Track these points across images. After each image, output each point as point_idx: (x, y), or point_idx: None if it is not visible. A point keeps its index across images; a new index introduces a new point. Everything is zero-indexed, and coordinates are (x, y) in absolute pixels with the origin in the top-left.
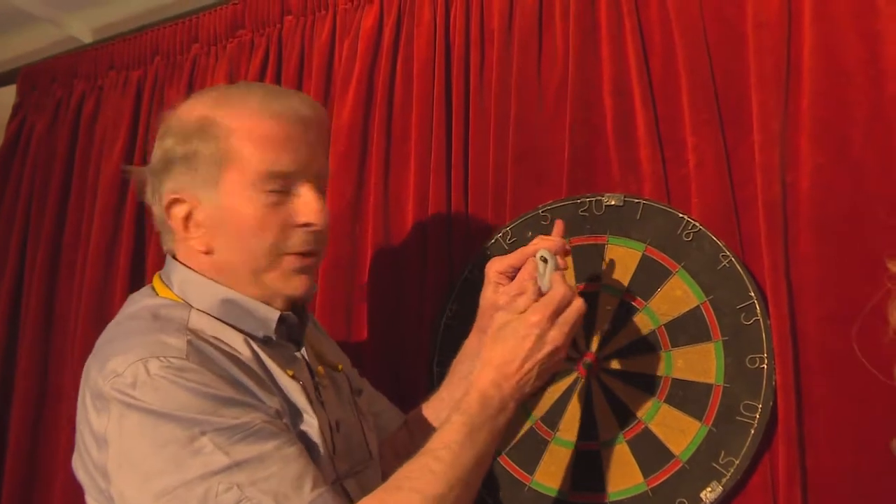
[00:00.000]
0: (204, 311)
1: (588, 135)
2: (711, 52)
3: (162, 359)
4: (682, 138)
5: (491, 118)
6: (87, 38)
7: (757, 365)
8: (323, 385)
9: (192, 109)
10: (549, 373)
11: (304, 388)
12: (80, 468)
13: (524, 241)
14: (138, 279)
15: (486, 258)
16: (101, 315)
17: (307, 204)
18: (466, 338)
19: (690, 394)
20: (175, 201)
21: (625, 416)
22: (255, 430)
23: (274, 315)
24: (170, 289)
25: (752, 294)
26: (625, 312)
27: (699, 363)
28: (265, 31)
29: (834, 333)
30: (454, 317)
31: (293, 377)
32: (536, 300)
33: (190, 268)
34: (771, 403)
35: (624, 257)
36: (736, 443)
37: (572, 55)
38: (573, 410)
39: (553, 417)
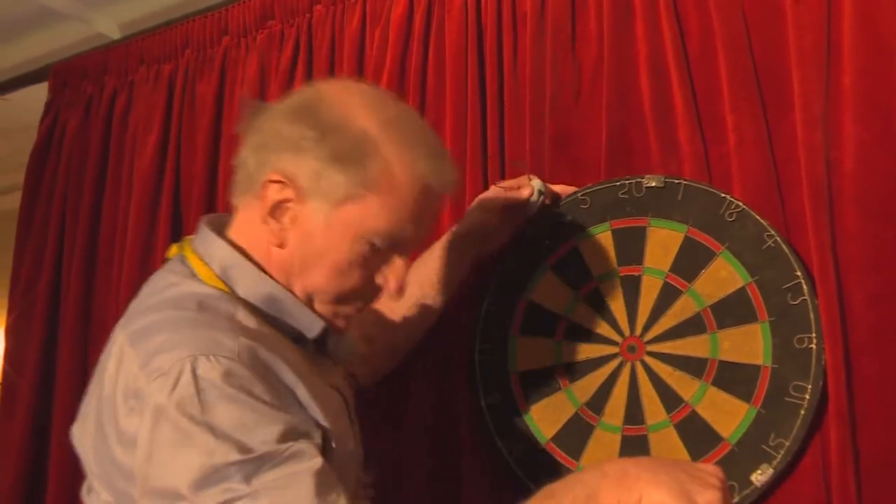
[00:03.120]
0: (248, 304)
1: (625, 117)
2: (750, 29)
3: (211, 358)
4: (722, 117)
5: (526, 103)
6: (115, 35)
7: (805, 345)
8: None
9: (357, 116)
10: None
11: (344, 399)
12: (91, 450)
13: (564, 226)
14: None
15: (526, 244)
16: None
17: (396, 274)
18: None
19: (738, 375)
20: (280, 183)
21: (671, 399)
22: (289, 455)
23: (318, 325)
24: (209, 267)
25: (799, 273)
26: (669, 295)
27: (746, 344)
28: (294, 21)
29: (883, 311)
30: (496, 302)
31: (335, 388)
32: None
33: (237, 246)
34: (821, 383)
35: (666, 239)
36: (786, 424)
37: (607, 36)
38: (618, 395)
39: (598, 402)
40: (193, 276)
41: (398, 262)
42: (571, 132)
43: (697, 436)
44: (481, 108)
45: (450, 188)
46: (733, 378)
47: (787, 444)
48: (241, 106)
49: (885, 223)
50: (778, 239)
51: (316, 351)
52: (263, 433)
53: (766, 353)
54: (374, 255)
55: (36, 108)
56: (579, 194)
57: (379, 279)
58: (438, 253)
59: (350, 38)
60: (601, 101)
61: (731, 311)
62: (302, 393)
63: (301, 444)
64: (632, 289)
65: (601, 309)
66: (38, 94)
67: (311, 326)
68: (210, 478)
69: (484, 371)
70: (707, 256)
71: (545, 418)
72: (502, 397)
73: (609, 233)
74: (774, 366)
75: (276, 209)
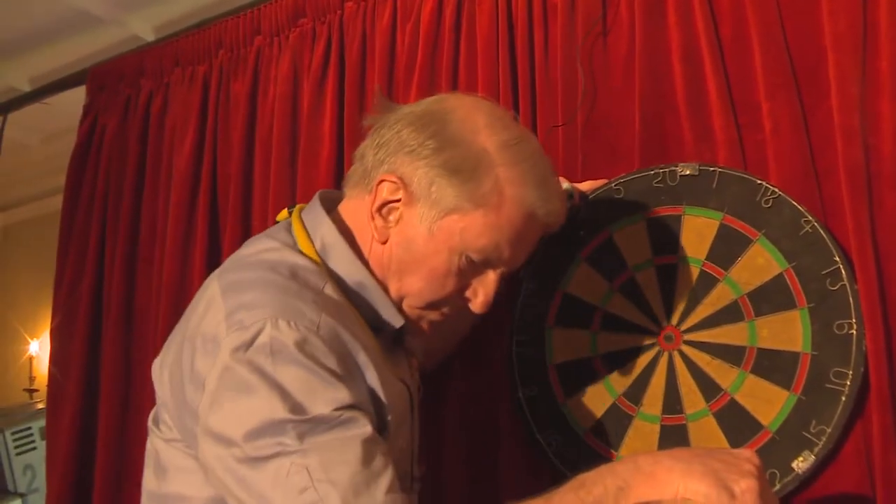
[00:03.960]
0: (338, 282)
1: (659, 105)
2: (783, 14)
3: (292, 323)
4: (757, 103)
5: (558, 95)
6: (150, 37)
7: (845, 331)
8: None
9: (479, 133)
10: None
11: (410, 393)
12: (168, 384)
13: (598, 217)
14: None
15: (560, 237)
16: (179, 310)
17: (486, 289)
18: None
19: (777, 363)
20: (394, 183)
21: (710, 388)
22: (345, 421)
23: (399, 322)
24: (311, 242)
25: (838, 259)
26: (705, 283)
27: (785, 331)
28: (326, 18)
29: None
30: (532, 295)
31: (402, 381)
32: None
33: (343, 229)
34: (861, 369)
35: (702, 227)
36: (827, 411)
37: (638, 24)
38: (656, 384)
39: (636, 392)
40: (294, 245)
41: (490, 278)
42: (605, 122)
43: (737, 424)
44: (514, 102)
45: (553, 219)
46: (772, 366)
47: (829, 430)
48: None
49: None
50: (815, 224)
51: (392, 342)
52: (324, 399)
53: (806, 340)
54: (469, 268)
55: (76, 112)
56: (613, 184)
57: (469, 291)
58: None
59: (381, 35)
60: (634, 90)
61: (769, 298)
62: (371, 376)
63: (355, 413)
64: (668, 278)
65: (637, 299)
66: (77, 98)
67: (392, 321)
68: (265, 430)
69: (521, 363)
70: (743, 243)
71: (583, 409)
72: (540, 389)
73: (644, 222)
74: (814, 352)
75: (385, 207)
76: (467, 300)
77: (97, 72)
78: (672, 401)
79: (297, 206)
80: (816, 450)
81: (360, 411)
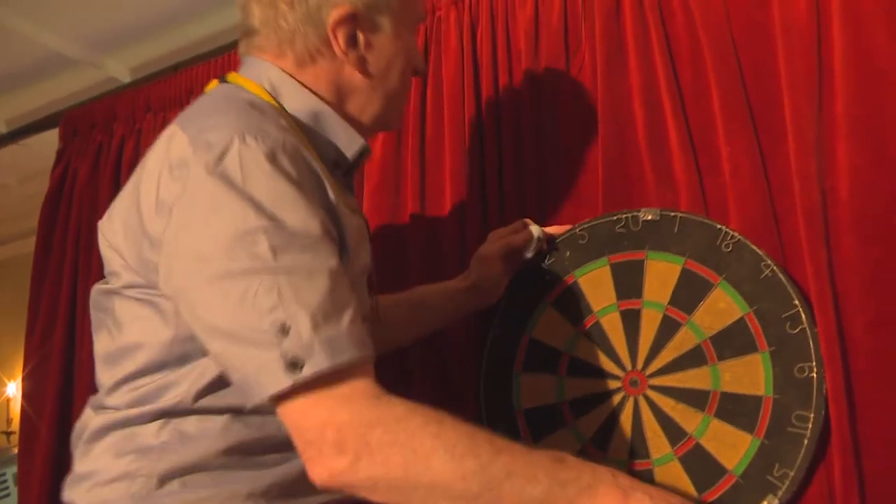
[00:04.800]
0: (293, 119)
1: (621, 149)
2: (741, 58)
3: (258, 138)
4: (717, 147)
5: (525, 139)
6: (126, 78)
7: (806, 374)
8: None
9: None
10: None
11: (365, 226)
12: (122, 232)
13: (563, 261)
14: None
15: (527, 282)
16: None
17: (419, 52)
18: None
19: (740, 407)
20: (349, 21)
21: (675, 432)
22: (314, 243)
23: (358, 143)
24: (259, 84)
25: (797, 302)
26: (669, 327)
27: (747, 375)
28: None
29: (883, 337)
30: (499, 340)
31: (356, 213)
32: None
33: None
34: (823, 412)
35: (664, 272)
36: (790, 454)
37: (600, 70)
38: (623, 429)
39: (603, 438)
40: (242, 89)
41: (416, 42)
42: (568, 165)
43: (702, 468)
44: (480, 144)
45: None
46: (736, 409)
47: (792, 474)
48: None
49: (882, 248)
50: (775, 268)
51: (345, 185)
52: (296, 213)
53: (768, 384)
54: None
55: (50, 154)
56: (577, 230)
57: (417, 64)
58: (435, 300)
59: None
60: (597, 135)
61: (731, 342)
62: (333, 199)
63: (325, 240)
64: (632, 322)
65: (602, 344)
66: (52, 139)
67: (351, 143)
68: (238, 241)
69: (489, 409)
70: (705, 288)
71: None
72: (508, 435)
73: (608, 267)
74: (776, 396)
75: (350, 44)
76: (415, 74)
77: (70, 117)
78: (638, 446)
79: (228, 73)
80: (780, 493)
81: (329, 238)
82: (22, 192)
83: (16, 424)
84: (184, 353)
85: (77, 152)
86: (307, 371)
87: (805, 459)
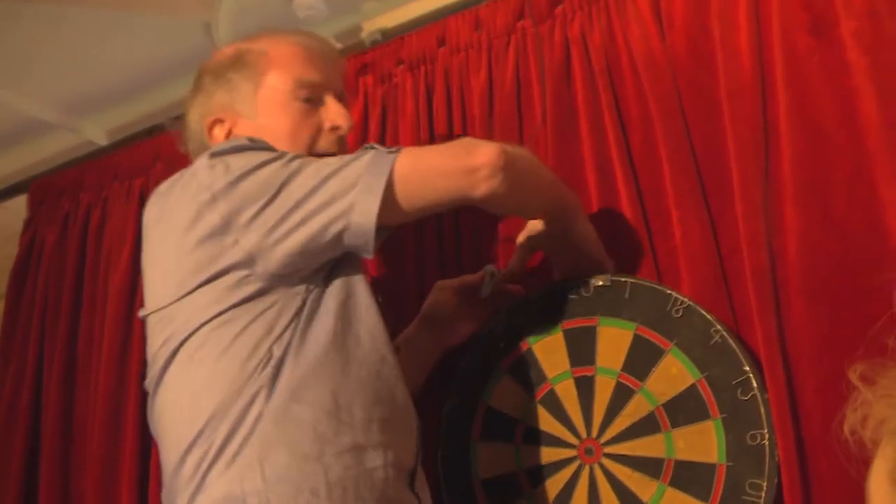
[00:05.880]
0: None
1: None
2: (688, 121)
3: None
4: (667, 210)
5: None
6: (103, 141)
7: (758, 441)
8: None
9: (224, 51)
10: None
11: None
12: (163, 275)
13: (517, 328)
14: None
15: (482, 345)
16: (118, 421)
17: (334, 111)
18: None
19: (694, 475)
20: (216, 122)
21: (631, 502)
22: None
23: None
24: None
25: (747, 368)
26: (622, 394)
27: (700, 443)
28: None
29: (834, 402)
30: (456, 409)
31: None
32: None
33: None
34: (776, 480)
35: (616, 338)
36: None
37: (551, 134)
38: (579, 499)
39: None
40: None
41: (330, 102)
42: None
43: None
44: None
45: (322, 43)
46: (690, 477)
47: None
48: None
49: (831, 311)
50: (724, 334)
51: None
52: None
53: (721, 451)
54: (311, 110)
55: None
56: (531, 297)
57: (328, 123)
58: (402, 339)
59: None
60: None
61: (684, 409)
62: None
63: None
64: (586, 390)
65: (557, 411)
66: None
67: None
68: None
69: (448, 479)
70: (657, 354)
71: None
72: None
73: (561, 334)
74: (729, 463)
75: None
76: (332, 130)
77: (38, 186)
78: None
79: None
80: None
81: None
82: (2, 252)
83: None
84: None
85: (44, 221)
86: None
87: None
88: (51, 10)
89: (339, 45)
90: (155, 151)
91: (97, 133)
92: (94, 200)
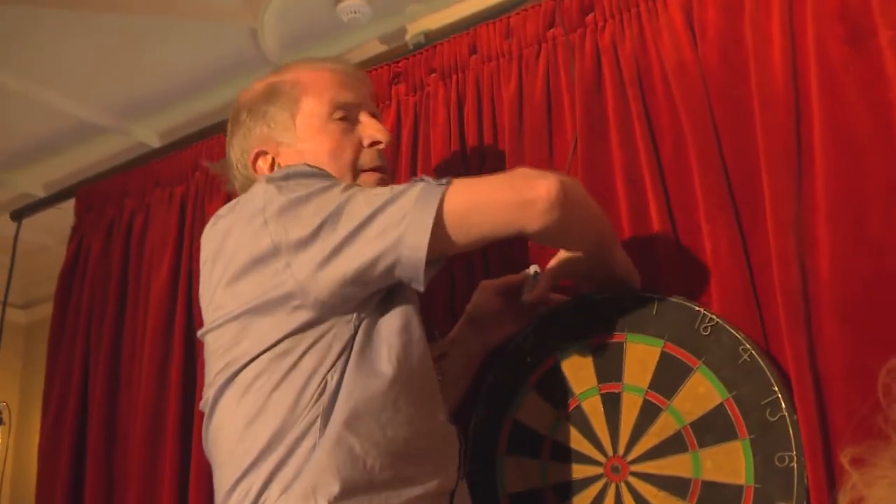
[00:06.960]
0: None
1: None
2: (720, 133)
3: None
4: (697, 224)
5: None
6: (155, 143)
7: (787, 463)
8: None
9: (255, 86)
10: None
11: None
12: (219, 301)
13: (544, 343)
14: (189, 395)
15: (509, 360)
16: (158, 432)
17: (372, 126)
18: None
19: (721, 496)
20: (259, 154)
21: None
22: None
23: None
24: None
25: (776, 388)
26: (649, 413)
27: (728, 463)
28: None
29: (866, 425)
30: (483, 422)
31: None
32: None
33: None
34: None
35: (643, 354)
36: None
37: (581, 144)
38: None
39: None
40: None
41: (365, 119)
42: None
43: None
44: None
45: (352, 69)
46: (717, 499)
47: None
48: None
49: (864, 331)
50: (753, 352)
51: None
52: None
53: (749, 473)
54: (349, 128)
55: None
56: (560, 308)
57: (367, 139)
58: (449, 341)
59: None
60: None
61: (711, 428)
62: None
63: None
64: (613, 407)
65: (584, 428)
66: None
67: None
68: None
69: (474, 493)
70: (685, 372)
71: None
72: None
73: (588, 349)
74: (757, 485)
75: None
76: (372, 145)
77: (84, 193)
78: None
79: None
80: None
81: None
82: (63, 252)
83: None
84: None
85: (90, 228)
86: None
87: None
88: (102, 17)
89: (382, 48)
90: (194, 161)
91: (149, 136)
92: (138, 206)
